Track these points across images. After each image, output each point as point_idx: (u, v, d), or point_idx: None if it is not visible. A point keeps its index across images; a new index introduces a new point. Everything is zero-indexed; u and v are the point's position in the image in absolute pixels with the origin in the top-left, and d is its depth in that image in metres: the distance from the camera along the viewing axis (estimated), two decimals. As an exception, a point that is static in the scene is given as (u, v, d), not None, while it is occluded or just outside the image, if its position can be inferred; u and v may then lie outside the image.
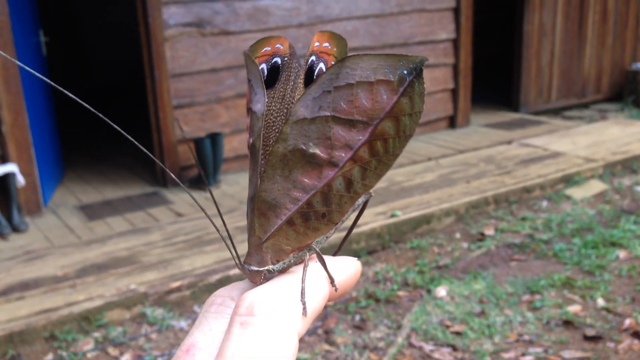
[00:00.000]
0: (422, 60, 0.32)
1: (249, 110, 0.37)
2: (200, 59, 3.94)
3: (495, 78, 6.45)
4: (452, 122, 5.15)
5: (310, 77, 0.36)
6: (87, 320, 2.50)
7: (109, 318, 2.53)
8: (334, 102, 0.32)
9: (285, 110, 0.36)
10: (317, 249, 0.35)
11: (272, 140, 0.35)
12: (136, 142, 0.36)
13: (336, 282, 0.34)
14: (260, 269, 0.35)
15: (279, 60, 0.37)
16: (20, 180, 3.36)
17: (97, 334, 2.46)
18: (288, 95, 0.36)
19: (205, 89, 3.99)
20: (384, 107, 0.32)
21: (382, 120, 0.32)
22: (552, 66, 5.67)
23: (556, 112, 5.76)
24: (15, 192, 3.35)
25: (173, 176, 0.34)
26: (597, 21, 5.81)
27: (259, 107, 0.36)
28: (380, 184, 3.84)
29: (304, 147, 0.33)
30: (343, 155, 0.33)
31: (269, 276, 0.35)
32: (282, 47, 0.38)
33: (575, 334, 2.39)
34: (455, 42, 4.95)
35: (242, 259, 0.36)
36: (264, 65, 0.37)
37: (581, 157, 4.22)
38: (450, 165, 4.18)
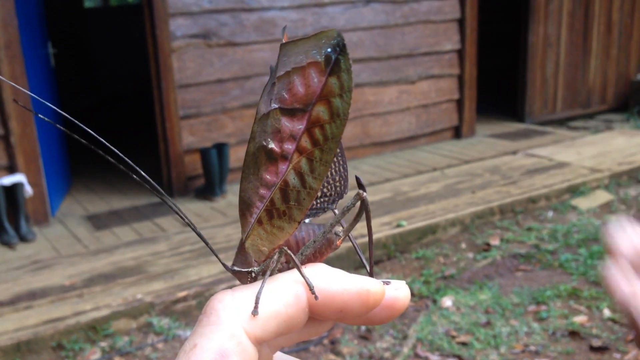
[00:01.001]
0: (340, 34, 0.30)
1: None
2: (206, 70, 3.97)
3: (500, 89, 6.46)
4: (457, 133, 5.16)
5: None
6: (94, 330, 2.51)
7: (115, 328, 2.54)
8: (278, 93, 0.32)
9: None
10: (289, 252, 0.34)
11: None
12: (133, 164, 0.37)
13: (319, 290, 0.32)
14: (243, 270, 0.36)
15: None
16: (28, 190, 3.38)
17: (103, 344, 2.47)
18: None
19: (211, 100, 4.02)
20: (315, 91, 0.31)
21: (315, 105, 0.31)
22: (557, 77, 5.68)
23: (561, 122, 5.76)
24: (23, 202, 3.37)
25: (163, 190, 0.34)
26: (602, 32, 5.82)
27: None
28: (386, 194, 3.85)
29: (264, 143, 0.33)
30: (290, 147, 0.32)
31: (257, 277, 0.36)
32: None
33: (581, 344, 2.39)
34: (460, 53, 4.97)
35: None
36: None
37: (587, 168, 4.22)
38: (455, 176, 4.19)
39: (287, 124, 0.32)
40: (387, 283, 0.34)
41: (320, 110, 0.31)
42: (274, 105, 0.32)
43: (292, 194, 0.33)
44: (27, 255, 3.18)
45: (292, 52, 0.31)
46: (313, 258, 0.36)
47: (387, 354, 2.39)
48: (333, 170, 0.37)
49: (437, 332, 2.50)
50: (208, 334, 0.30)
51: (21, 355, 2.38)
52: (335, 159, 0.36)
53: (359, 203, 0.34)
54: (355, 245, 0.35)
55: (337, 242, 0.36)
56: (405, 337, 2.49)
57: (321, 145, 0.32)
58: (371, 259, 0.37)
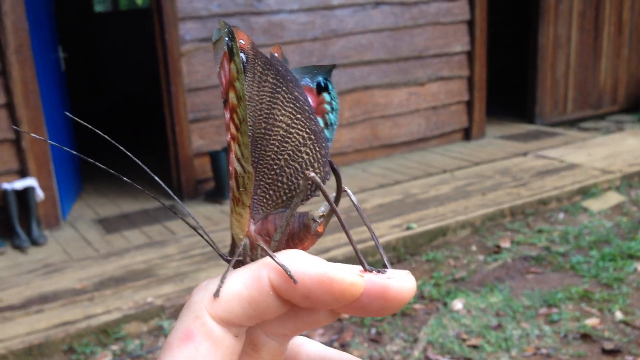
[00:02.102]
0: (226, 24, 0.34)
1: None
2: (215, 74, 3.98)
3: (510, 90, 6.44)
4: (467, 134, 5.14)
5: None
6: (105, 333, 2.52)
7: (126, 331, 2.55)
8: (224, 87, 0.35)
9: (255, 113, 0.36)
10: (253, 237, 0.36)
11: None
12: (147, 169, 0.38)
13: (295, 275, 0.31)
14: (228, 258, 0.37)
15: (243, 57, 0.36)
16: (40, 194, 3.40)
17: (115, 347, 2.48)
18: (257, 98, 0.36)
19: (220, 103, 4.03)
20: (228, 80, 0.34)
21: (229, 93, 0.34)
22: (568, 78, 5.65)
23: (572, 123, 5.73)
24: (35, 206, 3.39)
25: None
26: (613, 33, 5.79)
27: None
28: (396, 196, 3.84)
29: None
30: (228, 137, 0.35)
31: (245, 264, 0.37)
32: (243, 43, 0.37)
33: (593, 347, 2.37)
34: (470, 55, 4.96)
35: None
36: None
37: (598, 169, 4.19)
38: (465, 178, 4.18)
39: (226, 115, 0.34)
40: (381, 272, 0.33)
41: (232, 97, 0.34)
42: (223, 101, 0.35)
43: (240, 180, 0.35)
44: (39, 259, 3.20)
45: (219, 46, 0.35)
46: (292, 245, 0.36)
47: (397, 357, 2.38)
48: (311, 157, 0.37)
49: (448, 335, 2.49)
50: (180, 318, 0.32)
51: (33, 359, 2.39)
52: (308, 144, 0.36)
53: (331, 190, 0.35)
54: (348, 233, 0.34)
55: (318, 228, 0.35)
56: (415, 340, 2.48)
57: (240, 129, 0.34)
58: (353, 244, 0.35)
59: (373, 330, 2.56)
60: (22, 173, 3.44)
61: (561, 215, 3.66)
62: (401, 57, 4.66)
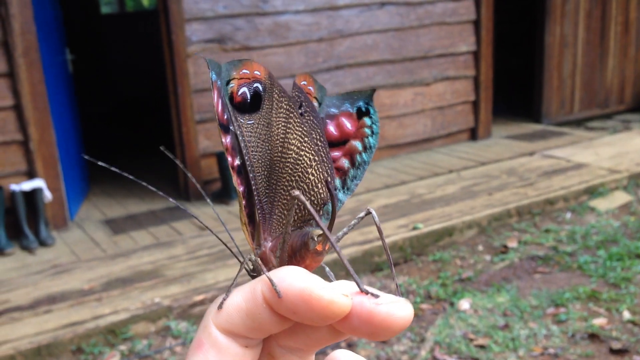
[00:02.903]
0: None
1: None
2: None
3: (516, 90, 6.42)
4: (473, 134, 5.14)
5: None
6: (113, 334, 2.53)
7: (134, 331, 2.56)
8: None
9: (273, 138, 0.38)
10: (254, 253, 0.38)
11: (260, 163, 0.39)
12: (183, 167, 0.39)
13: (281, 289, 0.32)
14: (240, 260, 0.40)
15: (260, 86, 0.39)
16: (48, 195, 3.42)
17: (123, 347, 2.49)
18: (274, 124, 0.38)
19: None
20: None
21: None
22: (574, 77, 5.64)
23: (579, 123, 5.71)
24: (43, 207, 3.41)
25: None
26: (619, 32, 5.77)
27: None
28: (402, 197, 3.84)
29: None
30: (229, 158, 0.38)
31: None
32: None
33: (601, 347, 2.37)
34: (476, 55, 4.95)
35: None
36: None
37: (605, 168, 4.18)
38: (471, 178, 4.17)
39: (223, 140, 0.38)
40: (375, 296, 0.32)
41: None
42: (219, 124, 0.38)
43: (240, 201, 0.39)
44: (47, 260, 3.22)
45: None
46: (294, 262, 0.37)
47: (404, 357, 2.38)
48: (316, 178, 0.39)
49: (455, 335, 2.49)
50: (199, 327, 0.35)
51: (41, 359, 2.40)
52: (313, 165, 0.39)
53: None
54: (340, 255, 0.34)
55: (317, 247, 0.36)
56: (422, 340, 2.48)
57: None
58: (346, 264, 0.34)
59: (380, 331, 2.56)
60: (30, 174, 3.46)
61: (568, 215, 3.65)
62: (407, 58, 4.65)
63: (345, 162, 0.41)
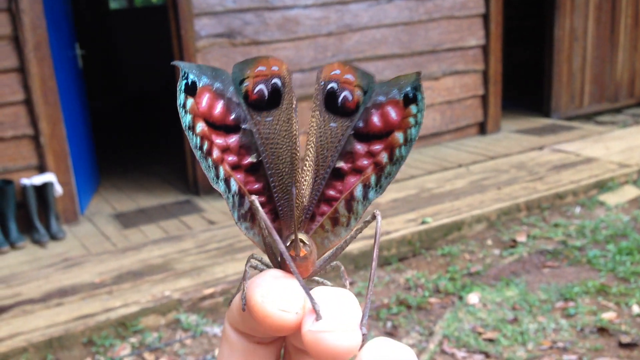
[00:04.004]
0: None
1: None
2: (231, 69, 3.99)
3: (526, 84, 6.40)
4: (482, 129, 5.12)
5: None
6: (123, 326, 2.55)
7: (144, 324, 2.58)
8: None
9: (293, 134, 0.37)
10: (255, 257, 0.38)
11: (281, 160, 0.38)
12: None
13: (247, 293, 0.33)
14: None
15: (278, 82, 0.38)
16: (58, 189, 3.44)
17: (133, 340, 2.51)
18: (294, 120, 0.38)
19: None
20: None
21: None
22: (584, 71, 5.61)
23: (588, 117, 5.69)
24: (53, 201, 3.44)
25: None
26: (630, 25, 5.73)
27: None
28: (411, 191, 3.85)
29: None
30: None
31: None
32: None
33: (610, 341, 2.37)
34: (485, 49, 4.93)
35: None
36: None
37: (615, 163, 4.16)
38: (480, 172, 4.17)
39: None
40: (322, 319, 0.30)
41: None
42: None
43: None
44: (58, 253, 3.24)
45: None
46: (284, 265, 0.36)
47: (413, 350, 2.39)
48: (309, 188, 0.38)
49: (464, 328, 2.50)
50: None
51: (53, 351, 2.43)
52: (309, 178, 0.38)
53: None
54: (294, 271, 0.33)
55: (290, 252, 0.35)
56: (431, 334, 2.49)
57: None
58: (301, 283, 0.33)
59: (389, 324, 2.57)
60: (41, 169, 3.49)
61: (578, 209, 3.64)
62: (415, 52, 4.65)
63: (384, 157, 0.37)
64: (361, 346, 0.30)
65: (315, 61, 4.23)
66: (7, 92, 3.37)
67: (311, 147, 0.37)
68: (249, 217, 0.38)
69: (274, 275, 0.33)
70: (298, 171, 0.37)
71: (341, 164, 0.38)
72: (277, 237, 0.34)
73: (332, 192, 0.38)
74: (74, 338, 2.47)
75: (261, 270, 0.37)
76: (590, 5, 5.47)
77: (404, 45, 4.59)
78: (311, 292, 0.32)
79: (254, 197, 0.34)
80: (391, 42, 4.54)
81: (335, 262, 0.39)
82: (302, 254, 0.35)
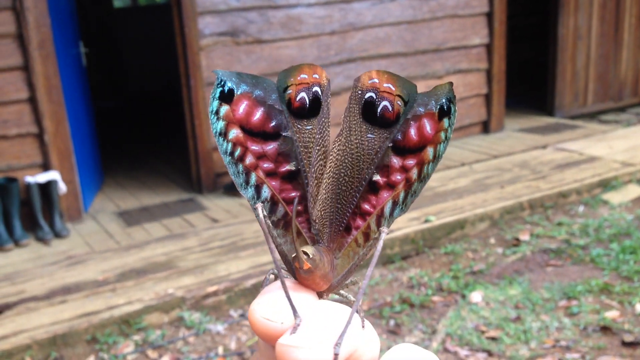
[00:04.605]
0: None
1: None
2: (234, 67, 4.00)
3: (529, 83, 6.39)
4: (485, 127, 5.12)
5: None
6: (127, 324, 2.56)
7: (148, 321, 2.59)
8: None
9: (326, 141, 0.38)
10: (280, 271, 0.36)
11: (318, 166, 0.37)
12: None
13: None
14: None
15: (319, 90, 0.38)
16: (62, 187, 3.45)
17: (136, 337, 2.52)
18: (326, 126, 0.38)
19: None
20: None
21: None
22: (588, 70, 5.60)
23: (592, 116, 5.68)
24: (57, 199, 3.45)
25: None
26: (634, 24, 5.72)
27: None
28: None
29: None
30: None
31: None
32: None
33: (613, 339, 2.36)
34: (489, 47, 4.93)
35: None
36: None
37: (618, 162, 4.16)
38: (484, 171, 4.16)
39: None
40: (297, 332, 0.30)
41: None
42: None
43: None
44: (62, 251, 3.25)
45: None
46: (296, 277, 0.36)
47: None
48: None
49: (467, 327, 2.50)
50: None
51: (57, 349, 2.43)
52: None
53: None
54: (282, 280, 0.33)
55: (295, 263, 0.34)
56: (434, 332, 2.49)
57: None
58: (285, 290, 0.32)
59: (392, 322, 2.57)
60: (45, 167, 3.50)
61: (581, 208, 3.64)
62: (419, 50, 4.64)
63: (414, 173, 0.36)
64: None
65: (318, 60, 4.23)
66: (11, 90, 3.38)
67: (333, 160, 0.37)
68: (281, 224, 0.37)
69: (279, 285, 0.33)
70: (307, 184, 0.36)
71: (377, 178, 0.37)
72: (272, 246, 0.34)
73: (366, 206, 0.37)
74: (78, 335, 2.48)
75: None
76: (595, 4, 5.45)
77: (408, 44, 4.59)
78: (304, 305, 0.31)
79: (258, 205, 0.34)
80: (394, 40, 4.54)
81: (354, 278, 0.37)
82: (305, 267, 0.33)
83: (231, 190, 4.01)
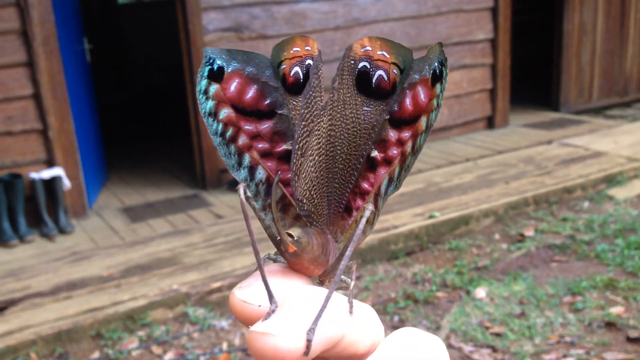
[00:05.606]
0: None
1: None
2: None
3: (534, 78, 6.37)
4: (490, 123, 5.11)
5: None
6: (131, 319, 2.56)
7: (152, 317, 2.59)
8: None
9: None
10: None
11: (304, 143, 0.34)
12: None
13: None
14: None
15: (312, 62, 0.35)
16: (67, 183, 3.46)
17: (141, 333, 2.52)
18: (313, 100, 0.34)
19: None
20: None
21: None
22: (593, 65, 5.58)
23: (597, 111, 5.66)
24: (62, 195, 3.45)
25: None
26: (639, 19, 5.70)
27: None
28: (418, 185, 3.84)
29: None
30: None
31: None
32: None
33: (617, 335, 2.36)
34: (493, 42, 4.91)
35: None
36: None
37: (624, 157, 4.14)
38: (488, 166, 4.16)
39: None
40: (266, 316, 0.28)
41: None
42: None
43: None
44: (66, 247, 3.26)
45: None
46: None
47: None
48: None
49: (471, 322, 2.50)
50: None
51: (62, 344, 2.44)
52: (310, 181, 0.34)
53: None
54: (260, 264, 0.31)
55: (281, 247, 0.32)
56: (438, 328, 2.49)
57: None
58: (262, 273, 0.30)
59: (396, 318, 2.57)
60: (50, 163, 3.50)
61: (586, 204, 3.63)
62: (424, 46, 4.63)
63: (409, 146, 0.33)
64: (305, 352, 0.26)
65: (322, 55, 4.22)
66: (15, 86, 3.38)
67: (323, 135, 0.33)
68: (280, 206, 0.35)
69: (269, 269, 0.32)
70: (292, 162, 0.32)
71: (375, 153, 0.34)
72: (251, 227, 0.30)
73: (365, 185, 0.35)
74: (83, 331, 2.49)
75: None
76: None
77: (412, 39, 4.58)
78: (288, 291, 0.30)
79: (240, 185, 0.31)
80: (399, 36, 4.52)
81: (349, 262, 0.34)
82: (290, 250, 0.31)
83: (235, 186, 4.00)
